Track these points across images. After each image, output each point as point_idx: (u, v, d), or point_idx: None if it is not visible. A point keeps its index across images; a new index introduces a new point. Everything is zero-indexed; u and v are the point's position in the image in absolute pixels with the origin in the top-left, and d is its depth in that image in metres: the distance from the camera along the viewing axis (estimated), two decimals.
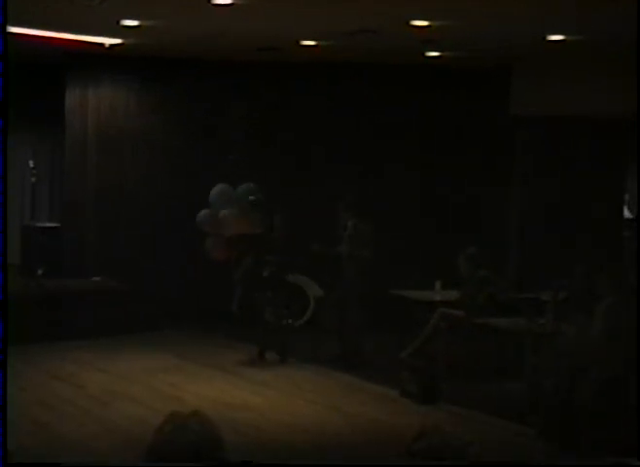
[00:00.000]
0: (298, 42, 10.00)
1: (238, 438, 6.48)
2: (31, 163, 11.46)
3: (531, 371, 7.51)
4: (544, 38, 9.16)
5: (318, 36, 9.72)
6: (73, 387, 8.13)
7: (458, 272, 8.78)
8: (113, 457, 6.16)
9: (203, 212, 10.05)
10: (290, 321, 9.57)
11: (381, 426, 7.15)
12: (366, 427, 7.12)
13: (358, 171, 11.70)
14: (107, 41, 10.29)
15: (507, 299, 8.57)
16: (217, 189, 10.14)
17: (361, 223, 9.07)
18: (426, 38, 9.34)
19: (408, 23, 8.52)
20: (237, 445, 6.25)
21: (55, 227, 11.81)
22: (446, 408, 7.59)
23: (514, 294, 8.84)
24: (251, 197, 9.73)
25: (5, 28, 4.82)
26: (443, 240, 11.21)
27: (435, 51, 10.46)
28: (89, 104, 11.64)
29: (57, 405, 7.53)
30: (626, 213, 12.65)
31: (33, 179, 11.39)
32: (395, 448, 6.26)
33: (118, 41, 10.27)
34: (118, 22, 9.00)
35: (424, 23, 8.54)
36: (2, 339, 4.68)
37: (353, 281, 9.10)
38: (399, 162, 11.88)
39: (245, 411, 7.45)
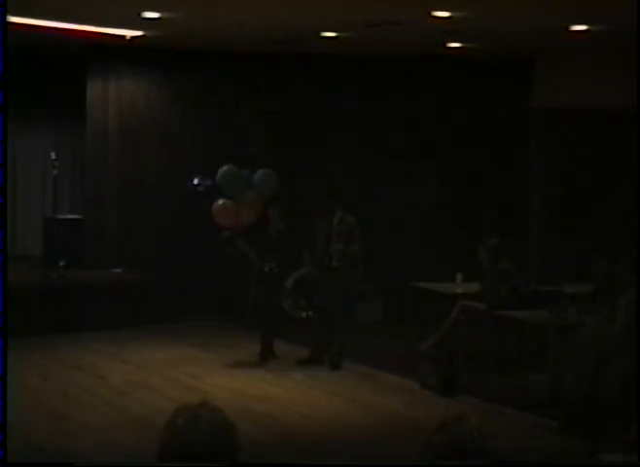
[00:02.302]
0: (318, 34, 9.96)
1: (257, 429, 6.49)
2: (53, 155, 11.50)
3: (553, 363, 7.46)
4: (567, 28, 9.08)
5: (339, 28, 9.68)
6: (94, 377, 8.16)
7: (479, 264, 8.73)
8: (133, 448, 6.17)
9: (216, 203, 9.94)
10: (311, 313, 9.48)
11: (401, 418, 7.13)
12: (385, 419, 7.10)
13: (374, 163, 11.68)
14: (128, 33, 10.30)
15: (529, 291, 8.51)
16: (224, 170, 9.53)
17: (347, 216, 8.76)
18: (447, 29, 9.28)
19: (429, 14, 8.47)
20: (255, 436, 6.26)
21: (77, 219, 11.85)
22: (467, 400, 7.56)
23: (536, 286, 8.77)
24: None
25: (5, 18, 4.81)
26: (463, 232, 11.16)
27: (456, 42, 10.40)
28: (111, 96, 11.67)
29: (79, 395, 7.55)
30: None
31: (55, 171, 11.42)
32: (414, 440, 6.23)
33: (139, 33, 10.28)
34: (139, 14, 9.01)
35: (445, 14, 8.49)
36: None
37: (343, 277, 8.71)
38: (417, 155, 11.83)
39: (264, 402, 7.45)
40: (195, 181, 9.53)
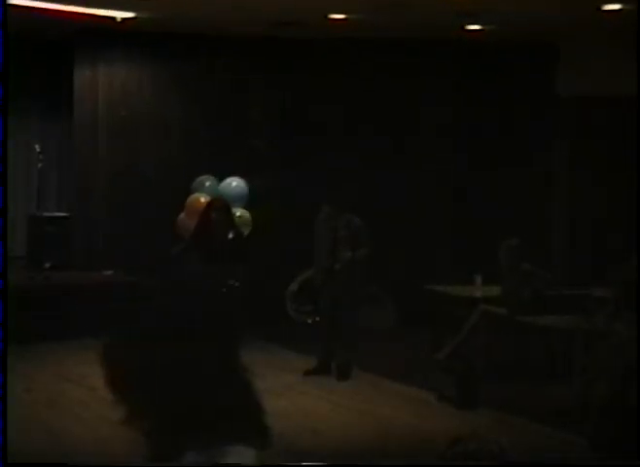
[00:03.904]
0: (325, 16, 10.00)
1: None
2: (38, 148, 11.56)
3: (581, 373, 7.49)
4: (598, 8, 9.08)
5: (347, 9, 9.72)
6: (84, 389, 8.20)
7: (499, 266, 8.75)
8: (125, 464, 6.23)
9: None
10: (317, 319, 9.51)
11: (415, 432, 7.16)
12: (398, 433, 7.14)
13: (385, 157, 11.72)
14: (118, 14, 10.35)
15: (553, 294, 8.53)
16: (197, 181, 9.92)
17: (353, 218, 8.77)
18: (466, 10, 9.31)
19: None
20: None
21: (64, 216, 11.90)
22: (486, 413, 7.59)
23: (561, 289, 8.80)
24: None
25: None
26: (481, 231, 11.19)
27: (475, 24, 10.42)
28: (100, 83, 11.70)
29: (67, 407, 7.60)
30: None
31: (40, 164, 11.49)
32: (430, 455, 6.28)
33: (130, 14, 10.32)
34: None
35: None
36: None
37: (349, 281, 8.75)
38: (432, 147, 11.86)
39: (269, 414, 7.47)
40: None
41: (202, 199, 9.66)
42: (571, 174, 11.29)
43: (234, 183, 10.19)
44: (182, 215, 10.00)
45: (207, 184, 10.53)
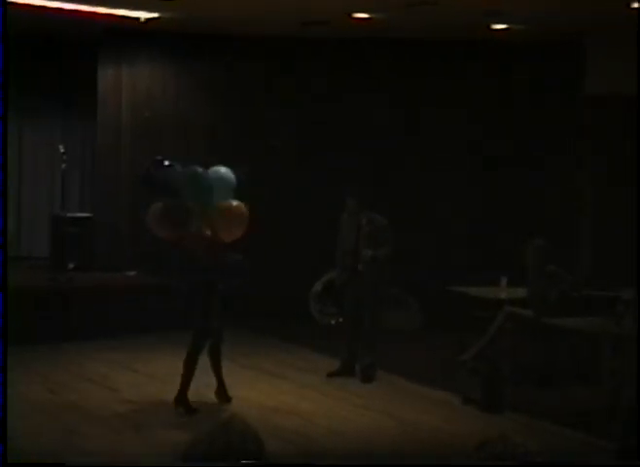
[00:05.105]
0: (349, 15, 9.95)
1: (283, 445, 6.48)
2: (61, 148, 11.55)
3: (609, 377, 7.38)
4: (628, 4, 8.97)
5: (371, 8, 9.66)
6: (106, 390, 8.19)
7: (525, 267, 8.66)
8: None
9: None
10: (341, 320, 9.44)
11: (440, 435, 7.09)
12: (422, 436, 7.07)
13: (409, 153, 11.65)
14: (142, 15, 10.35)
15: (581, 296, 8.43)
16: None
17: (375, 216, 8.67)
18: (492, 9, 9.23)
19: None
20: (282, 452, 6.25)
21: (88, 217, 11.91)
22: (512, 416, 7.50)
23: (589, 291, 8.70)
24: None
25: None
26: (508, 231, 11.10)
27: (501, 23, 10.34)
28: (124, 84, 11.73)
29: (90, 409, 7.58)
30: None
31: (63, 165, 11.48)
32: (454, 458, 6.21)
33: (154, 15, 10.32)
34: None
35: None
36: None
37: (372, 282, 8.64)
38: (456, 145, 11.78)
39: (291, 417, 7.44)
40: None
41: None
42: (596, 174, 11.17)
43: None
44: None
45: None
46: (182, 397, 7.55)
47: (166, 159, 7.90)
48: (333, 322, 9.47)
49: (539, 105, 11.63)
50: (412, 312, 10.91)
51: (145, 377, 8.69)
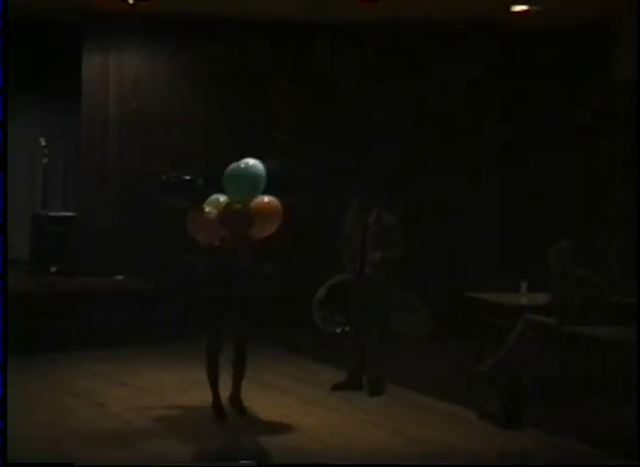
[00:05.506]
0: None
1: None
2: (43, 142, 11.61)
3: (638, 390, 7.41)
4: None
5: None
6: (91, 405, 8.21)
7: (548, 271, 8.69)
8: None
9: None
10: (347, 329, 9.48)
11: (453, 453, 7.12)
12: (434, 454, 7.10)
13: (421, 149, 11.69)
14: None
15: (608, 303, 8.45)
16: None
17: (384, 214, 8.69)
18: None
19: None
20: None
21: (71, 216, 11.95)
22: (533, 432, 7.51)
23: (617, 297, 8.72)
24: None
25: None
26: (529, 232, 11.13)
27: (522, 4, 10.39)
28: (111, 72, 11.76)
29: (74, 426, 7.61)
30: None
31: (45, 160, 11.54)
32: None
33: None
34: None
35: None
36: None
37: (380, 286, 8.68)
38: (473, 137, 11.82)
39: (292, 433, 7.48)
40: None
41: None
42: (627, 173, 11.18)
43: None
44: None
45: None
46: (214, 404, 7.85)
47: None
48: (338, 330, 9.52)
49: (564, 92, 11.64)
50: (424, 319, 10.94)
51: (136, 391, 8.71)
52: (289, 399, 8.50)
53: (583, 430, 7.52)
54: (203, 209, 7.73)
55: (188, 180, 7.77)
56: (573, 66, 11.59)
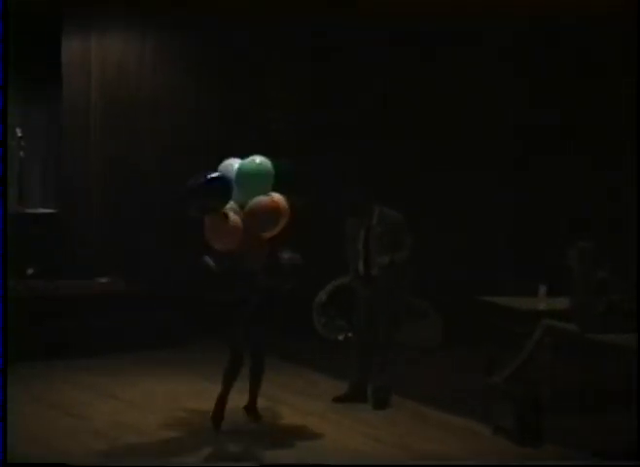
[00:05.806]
0: None
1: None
2: (19, 132, 11.53)
3: None
4: None
5: None
6: (75, 419, 8.16)
7: (569, 274, 8.67)
8: None
9: None
10: (350, 335, 9.47)
11: None
12: None
13: (430, 144, 11.69)
14: None
15: (633, 309, 8.44)
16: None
17: (389, 212, 8.67)
18: None
19: None
20: None
21: (51, 214, 11.91)
22: (551, 448, 7.49)
23: None
24: None
25: None
26: (548, 232, 11.12)
27: None
28: (93, 57, 11.73)
29: (56, 442, 7.57)
30: None
31: (22, 153, 11.47)
32: None
33: None
34: None
35: None
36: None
37: (387, 290, 8.66)
38: (489, 134, 11.82)
39: (292, 448, 7.46)
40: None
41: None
42: None
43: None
44: None
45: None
46: (215, 412, 7.89)
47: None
48: (340, 337, 9.52)
49: (586, 88, 11.62)
50: (435, 326, 10.93)
51: (123, 403, 8.69)
52: (287, 411, 8.48)
53: (603, 444, 7.51)
54: (224, 215, 7.66)
55: (217, 178, 7.68)
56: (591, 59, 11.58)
